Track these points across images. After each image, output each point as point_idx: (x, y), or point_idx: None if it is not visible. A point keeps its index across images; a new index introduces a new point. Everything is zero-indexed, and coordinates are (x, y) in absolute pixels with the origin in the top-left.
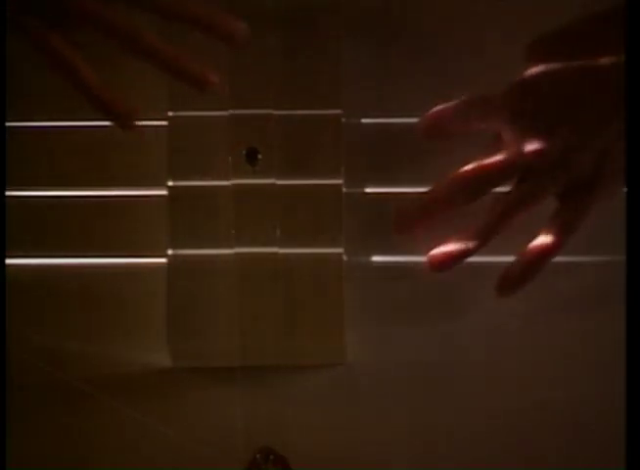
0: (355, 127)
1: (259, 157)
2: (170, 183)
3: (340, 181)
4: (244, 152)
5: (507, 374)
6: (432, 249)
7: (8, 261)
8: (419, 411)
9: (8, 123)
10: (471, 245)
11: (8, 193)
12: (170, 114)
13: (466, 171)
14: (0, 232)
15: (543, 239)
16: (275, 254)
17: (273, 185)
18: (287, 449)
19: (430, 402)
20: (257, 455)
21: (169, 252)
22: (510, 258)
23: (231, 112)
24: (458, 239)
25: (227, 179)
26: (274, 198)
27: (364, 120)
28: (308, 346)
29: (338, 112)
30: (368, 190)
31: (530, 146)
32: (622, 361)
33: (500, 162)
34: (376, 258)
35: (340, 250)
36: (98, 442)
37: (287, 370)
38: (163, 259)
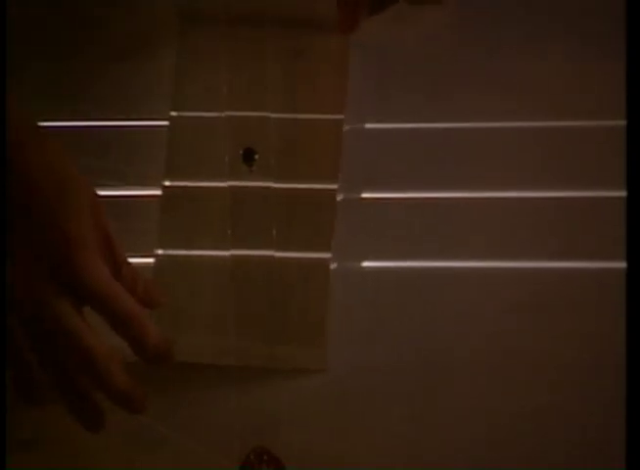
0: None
1: (256, 157)
2: (167, 183)
3: (334, 186)
4: (240, 152)
5: (506, 376)
6: None
7: None
8: (410, 418)
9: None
10: None
11: None
12: (174, 114)
13: None
14: (0, 232)
15: None
16: (270, 257)
17: (269, 188)
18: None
19: (424, 407)
20: (251, 455)
21: (159, 251)
22: (501, 264)
23: (228, 113)
24: None
25: (224, 180)
26: (270, 200)
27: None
28: (290, 351)
29: (339, 117)
30: (365, 195)
31: None
32: (623, 363)
33: None
34: (367, 264)
35: (327, 255)
36: (93, 441)
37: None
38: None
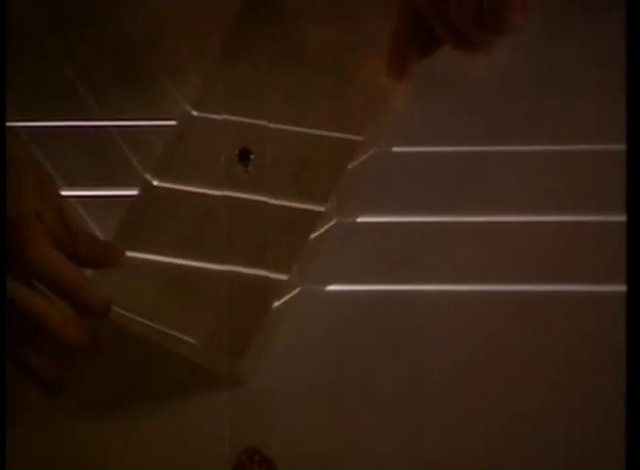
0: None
1: (251, 157)
2: (156, 183)
3: (321, 209)
4: (236, 152)
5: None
6: None
7: None
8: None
9: (8, 123)
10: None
11: None
12: (195, 113)
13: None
14: (0, 228)
15: None
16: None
17: (266, 203)
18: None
19: (422, 408)
20: (242, 456)
21: None
22: (484, 288)
23: (224, 116)
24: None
25: (220, 181)
26: (251, 210)
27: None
28: (215, 353)
29: (355, 138)
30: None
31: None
32: (622, 363)
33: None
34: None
35: (283, 277)
36: (86, 442)
37: None
38: None
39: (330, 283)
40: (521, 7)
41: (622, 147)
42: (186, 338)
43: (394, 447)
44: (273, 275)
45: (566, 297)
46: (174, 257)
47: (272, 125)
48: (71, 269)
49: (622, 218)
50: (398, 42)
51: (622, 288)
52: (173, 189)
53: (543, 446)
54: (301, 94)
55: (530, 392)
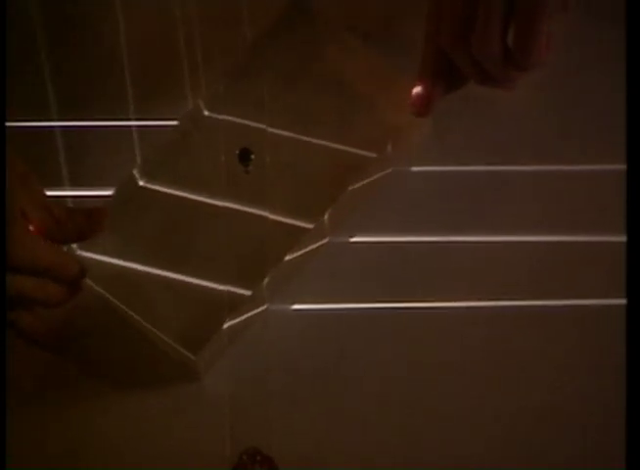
0: None
1: (252, 157)
2: (141, 183)
3: (309, 226)
4: (237, 152)
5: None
6: None
7: None
8: None
9: (8, 123)
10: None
11: None
12: (206, 113)
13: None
14: (0, 229)
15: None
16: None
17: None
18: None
19: (423, 406)
20: (243, 456)
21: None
22: (480, 304)
23: (225, 117)
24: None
25: (220, 182)
26: (238, 219)
27: None
28: (177, 352)
29: (370, 155)
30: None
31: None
32: (622, 363)
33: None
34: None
35: (247, 293)
36: (86, 441)
37: None
38: None
39: (303, 302)
40: (546, 43)
41: (623, 167)
42: (153, 328)
43: (399, 447)
44: (236, 289)
45: (567, 309)
46: (140, 257)
47: (284, 133)
48: (51, 254)
49: (623, 239)
50: (423, 80)
51: (622, 301)
52: (158, 190)
53: (543, 446)
54: (312, 108)
55: (531, 392)
